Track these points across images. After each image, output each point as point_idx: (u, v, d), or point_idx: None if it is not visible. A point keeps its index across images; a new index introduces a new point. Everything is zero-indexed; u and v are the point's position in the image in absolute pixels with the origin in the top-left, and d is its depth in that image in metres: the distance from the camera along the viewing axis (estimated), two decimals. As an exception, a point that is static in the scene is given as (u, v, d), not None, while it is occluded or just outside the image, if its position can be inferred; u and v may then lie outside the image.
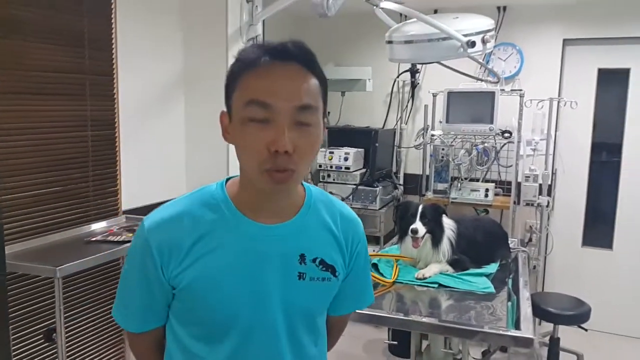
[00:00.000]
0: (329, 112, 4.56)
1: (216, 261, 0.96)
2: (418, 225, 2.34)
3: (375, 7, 2.58)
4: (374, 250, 3.29)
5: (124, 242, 2.32)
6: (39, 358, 2.31)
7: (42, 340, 2.30)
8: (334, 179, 4.05)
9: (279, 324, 1.00)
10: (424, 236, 2.36)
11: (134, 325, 1.05)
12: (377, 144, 4.04)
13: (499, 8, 4.02)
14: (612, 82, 4.01)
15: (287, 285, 0.99)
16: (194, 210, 0.98)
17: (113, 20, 2.64)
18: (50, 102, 2.36)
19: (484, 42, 2.47)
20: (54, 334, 2.06)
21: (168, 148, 3.05)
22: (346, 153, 4.00)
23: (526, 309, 2.02)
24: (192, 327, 1.01)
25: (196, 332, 1.00)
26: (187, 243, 0.96)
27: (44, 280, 2.28)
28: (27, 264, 2.02)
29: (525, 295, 2.19)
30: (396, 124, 4.48)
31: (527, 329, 1.79)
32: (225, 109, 0.99)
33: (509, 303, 2.12)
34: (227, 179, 1.05)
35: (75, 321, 2.49)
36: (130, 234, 2.41)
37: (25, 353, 2.25)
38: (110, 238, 2.36)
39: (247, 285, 0.97)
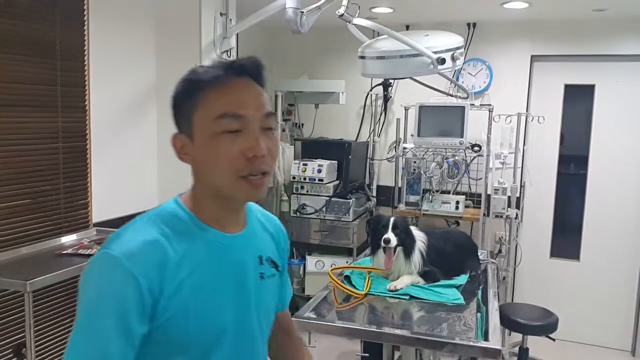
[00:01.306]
0: (302, 124, 4.59)
1: (199, 278, 0.95)
2: (390, 235, 2.37)
3: (348, 23, 2.62)
4: (347, 262, 3.32)
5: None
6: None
7: (12, 355, 2.26)
8: (307, 191, 4.07)
9: (255, 326, 1.05)
10: (396, 248, 2.40)
11: None
12: (350, 156, 4.08)
13: (469, 25, 4.12)
14: (578, 97, 4.14)
15: (256, 288, 1.05)
16: (165, 232, 0.95)
17: (85, 32, 2.63)
18: (21, 113, 2.35)
19: (453, 59, 2.52)
20: (24, 349, 2.02)
21: (140, 160, 3.04)
22: (320, 165, 4.03)
23: (495, 320, 2.07)
24: (174, 358, 0.95)
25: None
26: (172, 267, 0.92)
27: (13, 294, 2.24)
28: None
29: (494, 306, 2.24)
30: (369, 136, 4.53)
31: (495, 340, 1.83)
32: (176, 133, 1.00)
33: (478, 314, 2.16)
34: (178, 196, 1.05)
35: (45, 335, 2.45)
36: (102, 247, 2.39)
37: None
38: (81, 251, 2.35)
39: (232, 296, 1.00)
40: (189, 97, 0.97)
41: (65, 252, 2.35)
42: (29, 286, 1.92)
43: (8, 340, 2.25)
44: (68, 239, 2.55)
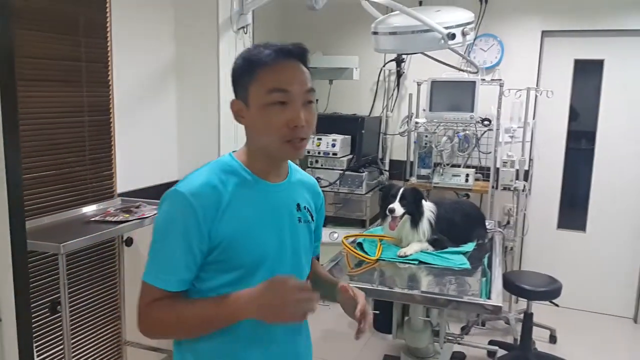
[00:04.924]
0: (317, 100, 4.67)
1: (247, 214, 1.19)
2: (396, 205, 2.49)
3: (361, -1, 2.70)
4: (359, 232, 3.44)
5: (121, 222, 2.42)
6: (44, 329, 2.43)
7: (47, 312, 2.40)
8: (321, 165, 4.18)
9: (290, 257, 1.27)
10: (402, 217, 2.51)
11: (174, 284, 1.16)
12: (363, 131, 4.17)
13: (480, 0, 4.16)
14: (587, 72, 4.18)
15: (293, 228, 1.28)
16: (222, 176, 1.19)
17: (107, 8, 2.72)
18: (48, 88, 2.44)
19: (463, 34, 2.59)
20: (59, 306, 2.17)
21: (161, 133, 3.15)
22: (334, 139, 4.13)
23: (498, 283, 2.19)
24: (223, 275, 1.18)
25: (226, 279, 1.18)
26: (224, 202, 1.16)
27: (49, 257, 2.38)
28: (33, 241, 2.11)
29: (498, 271, 2.36)
30: (382, 111, 4.62)
31: (497, 299, 1.95)
32: (235, 98, 1.23)
33: (484, 278, 2.28)
34: (232, 152, 1.28)
35: (78, 294, 2.62)
36: (127, 215, 2.52)
37: (33, 324, 2.34)
38: (108, 218, 2.46)
39: (272, 230, 1.23)
40: (247, 72, 1.18)
41: (93, 219, 2.47)
42: (62, 248, 2.04)
43: (44, 299, 2.40)
44: (94, 207, 2.67)
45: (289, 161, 1.35)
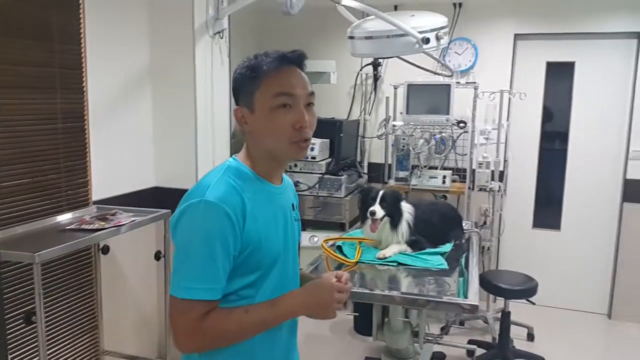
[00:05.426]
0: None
1: (264, 216, 1.24)
2: (376, 208, 2.51)
3: (337, 4, 2.72)
4: (339, 235, 3.45)
5: (96, 230, 2.39)
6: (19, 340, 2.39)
7: (22, 322, 2.35)
8: (300, 169, 4.19)
9: (290, 255, 1.35)
10: (382, 219, 2.53)
11: (218, 292, 1.17)
12: (341, 135, 4.19)
13: (455, 5, 4.22)
14: (559, 74, 4.27)
15: (291, 228, 1.36)
16: (237, 181, 1.23)
17: (81, 14, 2.69)
18: (21, 95, 2.40)
19: (437, 38, 2.63)
20: (33, 317, 2.13)
21: (136, 140, 3.12)
22: (312, 143, 4.09)
23: (475, 283, 2.22)
24: (243, 278, 1.22)
25: (246, 281, 1.23)
26: (247, 206, 1.20)
27: (20, 267, 2.34)
28: (6, 251, 2.07)
29: (475, 271, 2.39)
30: (360, 115, 4.65)
31: (474, 298, 1.98)
32: (237, 106, 1.29)
33: (461, 278, 2.31)
34: (234, 157, 1.33)
35: (54, 305, 2.57)
36: (103, 222, 2.49)
37: (8, 336, 2.30)
38: (84, 226, 2.43)
39: (280, 231, 1.30)
40: (252, 79, 1.24)
41: (68, 227, 2.43)
42: (37, 258, 2.00)
43: (19, 309, 2.35)
44: (69, 216, 2.63)
45: None
